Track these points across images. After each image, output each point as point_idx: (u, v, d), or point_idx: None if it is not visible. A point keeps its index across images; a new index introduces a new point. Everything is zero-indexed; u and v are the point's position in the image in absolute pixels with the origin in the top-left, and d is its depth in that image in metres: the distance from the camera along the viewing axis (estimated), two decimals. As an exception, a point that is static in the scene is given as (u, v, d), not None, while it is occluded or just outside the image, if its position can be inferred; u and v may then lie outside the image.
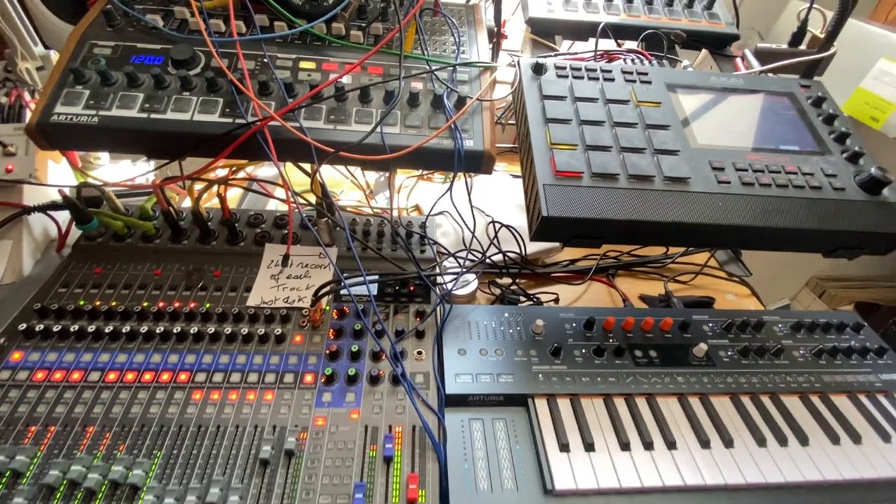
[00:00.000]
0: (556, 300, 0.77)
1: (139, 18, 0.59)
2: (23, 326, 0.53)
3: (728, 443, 0.52)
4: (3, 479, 0.42)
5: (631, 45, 0.75)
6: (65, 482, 0.42)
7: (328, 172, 0.78)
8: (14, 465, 0.43)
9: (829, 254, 0.58)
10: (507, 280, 0.76)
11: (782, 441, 0.53)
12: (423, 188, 0.98)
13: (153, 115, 0.53)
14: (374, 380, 0.53)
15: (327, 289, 0.58)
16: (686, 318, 0.65)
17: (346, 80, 0.58)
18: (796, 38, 0.74)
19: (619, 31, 0.76)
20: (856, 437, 0.54)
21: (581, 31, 0.78)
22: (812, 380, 0.60)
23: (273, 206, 0.85)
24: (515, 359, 0.58)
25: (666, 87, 0.63)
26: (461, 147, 0.55)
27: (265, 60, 0.58)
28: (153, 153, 0.57)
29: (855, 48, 1.14)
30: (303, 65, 0.59)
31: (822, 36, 0.71)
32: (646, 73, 0.63)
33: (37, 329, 0.53)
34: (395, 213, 0.76)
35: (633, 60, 0.70)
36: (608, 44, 0.75)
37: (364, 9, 0.66)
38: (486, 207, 0.83)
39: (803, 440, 0.53)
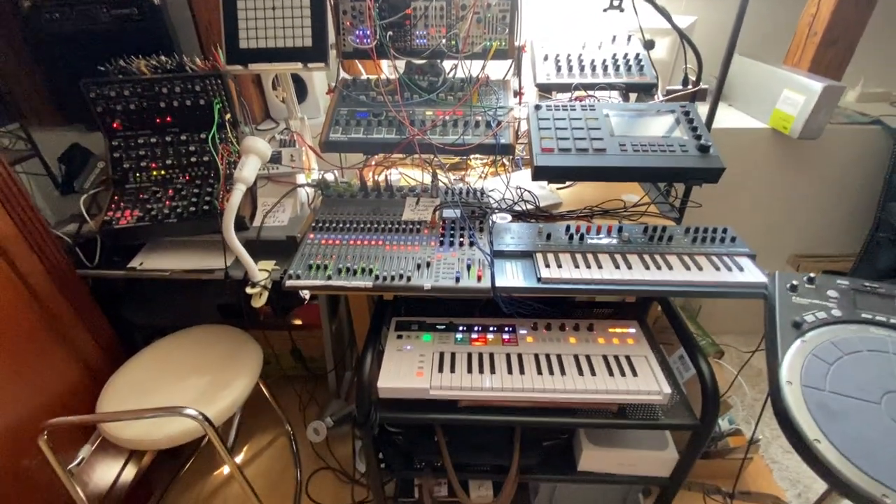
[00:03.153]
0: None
1: (356, 98, 1.35)
2: (313, 225, 1.25)
3: (629, 267, 1.09)
4: (320, 268, 1.11)
5: (592, 93, 1.40)
6: (344, 268, 1.10)
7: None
8: (323, 262, 1.11)
9: (684, 181, 1.16)
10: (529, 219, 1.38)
11: (658, 267, 1.09)
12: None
13: (367, 136, 1.26)
14: (461, 244, 1.17)
15: (438, 210, 1.25)
16: (623, 226, 1.23)
17: (447, 118, 1.27)
18: (684, 82, 1.35)
19: (587, 87, 1.41)
20: (699, 268, 1.09)
21: (566, 88, 1.44)
22: (686, 250, 1.15)
23: (395, 178, 1.54)
24: (528, 240, 1.19)
25: (603, 112, 1.26)
26: (499, 142, 1.22)
27: (411, 111, 1.29)
28: (368, 153, 1.29)
29: (772, 83, 1.70)
30: (427, 112, 1.30)
31: (693, 79, 1.31)
32: (593, 107, 1.28)
33: (318, 227, 1.24)
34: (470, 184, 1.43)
35: (591, 100, 1.35)
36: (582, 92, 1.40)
37: (453, 86, 1.37)
38: (521, 184, 1.47)
39: (670, 268, 1.09)
